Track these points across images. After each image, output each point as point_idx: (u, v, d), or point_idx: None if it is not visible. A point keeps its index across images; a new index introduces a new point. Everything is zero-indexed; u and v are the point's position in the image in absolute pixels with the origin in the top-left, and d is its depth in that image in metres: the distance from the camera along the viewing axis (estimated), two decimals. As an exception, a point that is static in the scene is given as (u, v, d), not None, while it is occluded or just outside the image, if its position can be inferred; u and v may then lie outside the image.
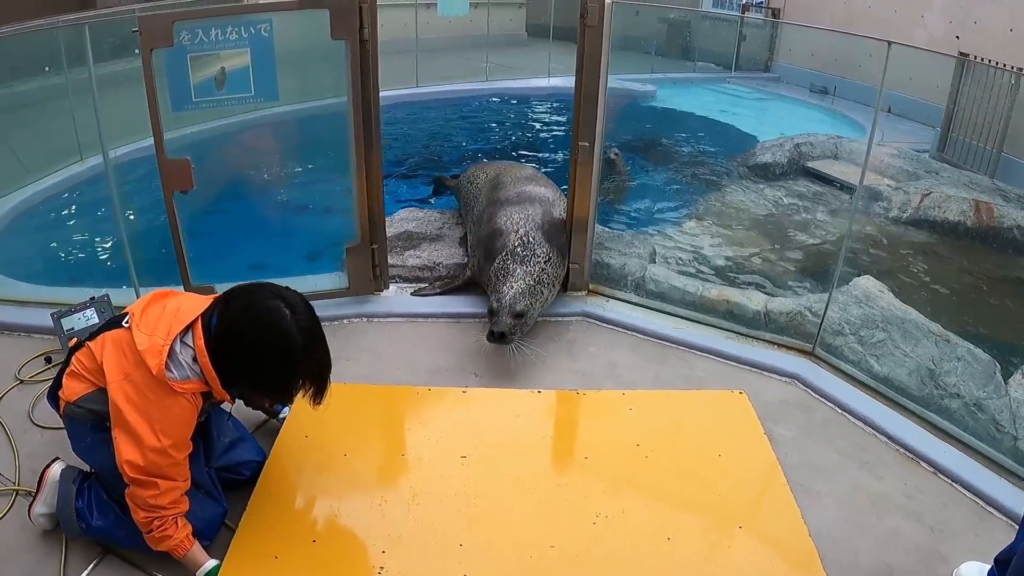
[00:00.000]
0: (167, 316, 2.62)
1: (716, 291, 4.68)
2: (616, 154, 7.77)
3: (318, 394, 2.75)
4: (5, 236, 5.96)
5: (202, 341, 2.55)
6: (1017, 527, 2.66)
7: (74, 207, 6.67)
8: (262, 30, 3.85)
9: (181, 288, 4.20)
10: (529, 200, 4.87)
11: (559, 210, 4.87)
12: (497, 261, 4.38)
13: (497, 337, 3.97)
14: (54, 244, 6.22)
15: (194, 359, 2.55)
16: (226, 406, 2.95)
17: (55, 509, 2.84)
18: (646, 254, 5.34)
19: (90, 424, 2.66)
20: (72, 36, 4.29)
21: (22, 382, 3.83)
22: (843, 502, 3.24)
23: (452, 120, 10.97)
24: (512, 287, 4.17)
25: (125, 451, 2.50)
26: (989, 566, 2.78)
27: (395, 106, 10.68)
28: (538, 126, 10.82)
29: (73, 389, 2.67)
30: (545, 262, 4.38)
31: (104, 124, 4.27)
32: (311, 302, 4.35)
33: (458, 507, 3.07)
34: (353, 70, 4.04)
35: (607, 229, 5.75)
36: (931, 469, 3.45)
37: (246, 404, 3.11)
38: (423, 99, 11.31)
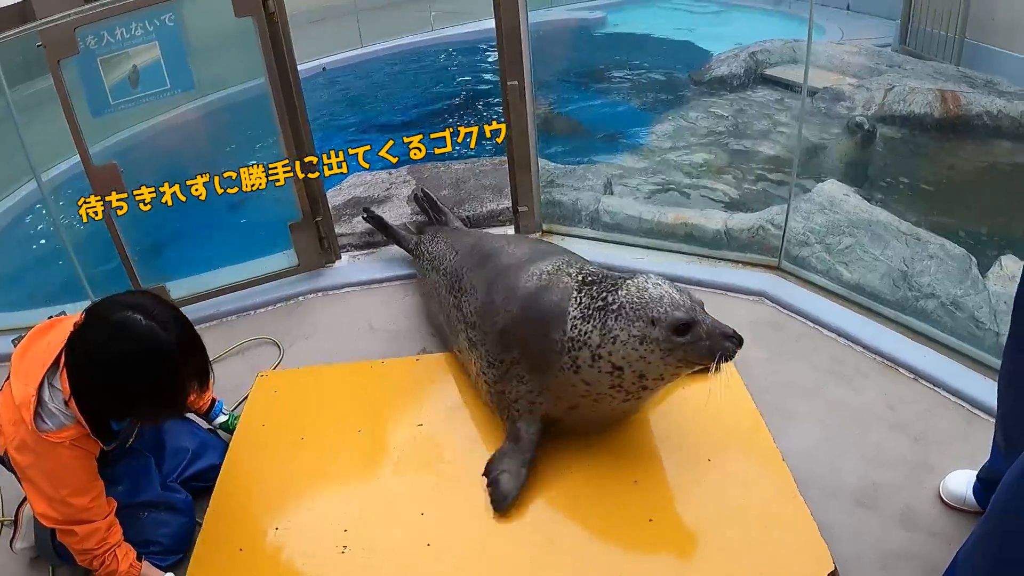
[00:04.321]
0: (39, 357, 2.40)
1: (673, 214, 4.46)
2: None
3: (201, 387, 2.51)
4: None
5: (67, 382, 2.33)
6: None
7: (27, 228, 6.63)
8: (167, 20, 3.80)
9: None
10: (548, 252, 3.31)
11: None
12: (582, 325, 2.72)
13: (738, 341, 2.57)
14: (9, 268, 6.15)
15: (65, 402, 2.33)
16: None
17: (35, 543, 2.81)
18: (600, 186, 5.10)
19: None
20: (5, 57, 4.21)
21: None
22: (823, 420, 3.10)
23: (397, 76, 10.64)
24: (662, 292, 2.61)
25: (34, 504, 2.43)
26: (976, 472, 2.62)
27: (339, 70, 10.38)
28: (490, 72, 10.46)
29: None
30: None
31: (52, 140, 4.32)
32: (264, 284, 4.39)
33: (417, 476, 3.00)
34: (264, 46, 3.93)
35: (558, 165, 5.49)
36: (912, 376, 3.28)
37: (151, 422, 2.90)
38: (367, 59, 10.96)
